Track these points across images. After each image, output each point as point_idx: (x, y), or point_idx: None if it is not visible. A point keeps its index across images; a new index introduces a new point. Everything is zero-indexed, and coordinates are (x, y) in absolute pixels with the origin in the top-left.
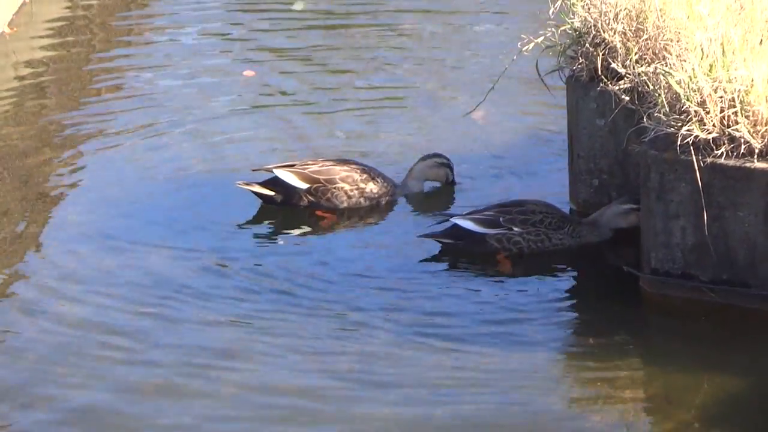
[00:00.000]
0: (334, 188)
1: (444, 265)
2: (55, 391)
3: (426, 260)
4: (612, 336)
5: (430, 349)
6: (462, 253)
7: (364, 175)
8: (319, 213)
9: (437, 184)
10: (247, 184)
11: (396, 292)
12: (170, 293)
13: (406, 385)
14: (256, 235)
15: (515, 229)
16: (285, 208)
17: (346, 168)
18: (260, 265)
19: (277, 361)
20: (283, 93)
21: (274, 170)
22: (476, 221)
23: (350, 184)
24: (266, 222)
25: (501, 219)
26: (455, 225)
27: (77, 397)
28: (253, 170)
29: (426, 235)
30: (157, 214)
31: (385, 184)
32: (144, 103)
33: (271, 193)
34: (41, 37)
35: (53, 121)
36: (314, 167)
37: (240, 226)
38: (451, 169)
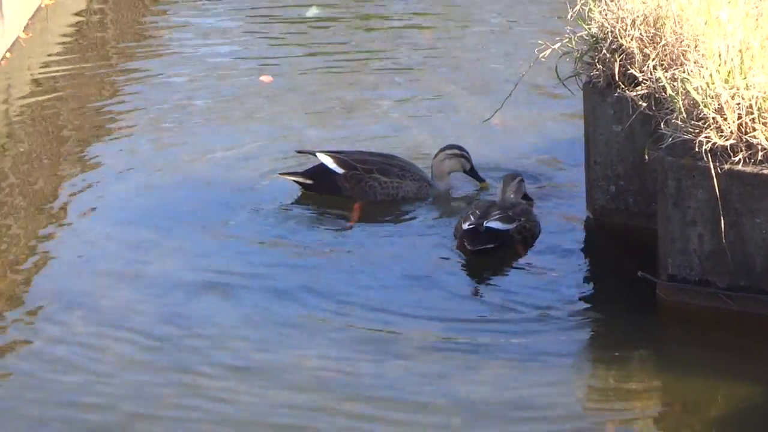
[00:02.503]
0: (369, 177)
1: (453, 272)
2: None
3: (435, 265)
4: (628, 343)
5: (446, 357)
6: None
7: (404, 172)
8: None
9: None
10: (289, 174)
11: (407, 294)
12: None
13: (424, 393)
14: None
15: (521, 219)
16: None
17: (387, 161)
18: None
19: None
20: (300, 98)
21: (317, 153)
22: (502, 220)
23: (387, 176)
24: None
25: (510, 213)
26: (489, 228)
27: None
28: (298, 152)
29: (477, 251)
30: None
31: (423, 185)
32: (161, 109)
33: (310, 181)
34: (56, 43)
35: (68, 126)
36: (356, 156)
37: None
38: (466, 158)
